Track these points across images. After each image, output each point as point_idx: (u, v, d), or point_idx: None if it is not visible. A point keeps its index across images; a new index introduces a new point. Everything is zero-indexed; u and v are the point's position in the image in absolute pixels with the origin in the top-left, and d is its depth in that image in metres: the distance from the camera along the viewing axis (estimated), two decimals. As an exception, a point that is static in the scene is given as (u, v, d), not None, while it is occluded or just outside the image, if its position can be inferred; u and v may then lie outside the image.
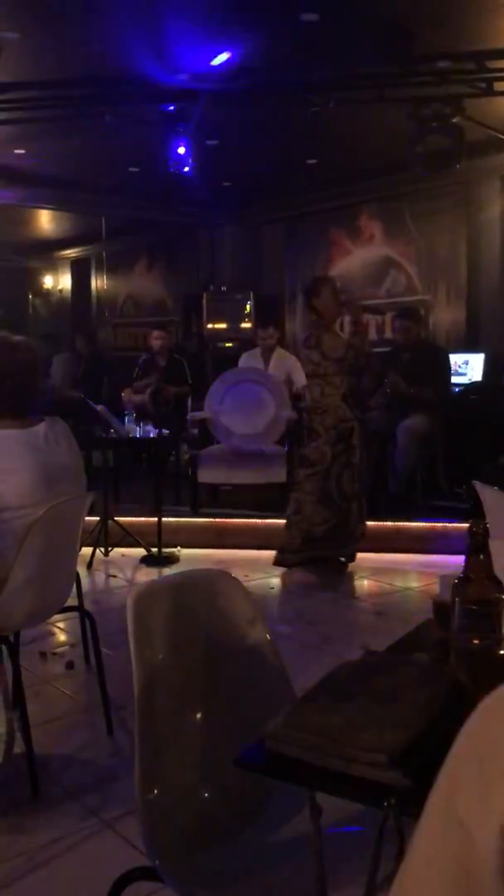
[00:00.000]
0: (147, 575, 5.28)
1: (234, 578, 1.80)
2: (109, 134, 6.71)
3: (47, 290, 14.22)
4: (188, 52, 5.68)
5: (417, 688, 1.30)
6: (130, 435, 5.84)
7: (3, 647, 2.74)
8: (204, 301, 9.62)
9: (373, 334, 8.57)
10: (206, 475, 6.26)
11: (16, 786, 2.68)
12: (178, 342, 9.79)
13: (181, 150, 6.49)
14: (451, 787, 0.62)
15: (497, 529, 1.60)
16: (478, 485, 3.00)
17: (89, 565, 5.38)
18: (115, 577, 5.33)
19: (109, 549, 5.66)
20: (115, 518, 5.67)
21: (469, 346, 7.90)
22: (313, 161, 8.21)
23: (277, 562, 5.12)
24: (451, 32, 5.34)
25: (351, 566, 5.19)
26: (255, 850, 1.57)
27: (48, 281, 14.18)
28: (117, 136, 6.84)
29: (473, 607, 1.33)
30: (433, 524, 5.70)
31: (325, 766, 1.18)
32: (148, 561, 5.48)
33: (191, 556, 5.57)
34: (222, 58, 5.49)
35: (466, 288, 8.38)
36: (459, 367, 7.20)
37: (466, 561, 1.37)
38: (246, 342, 8.42)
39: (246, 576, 4.91)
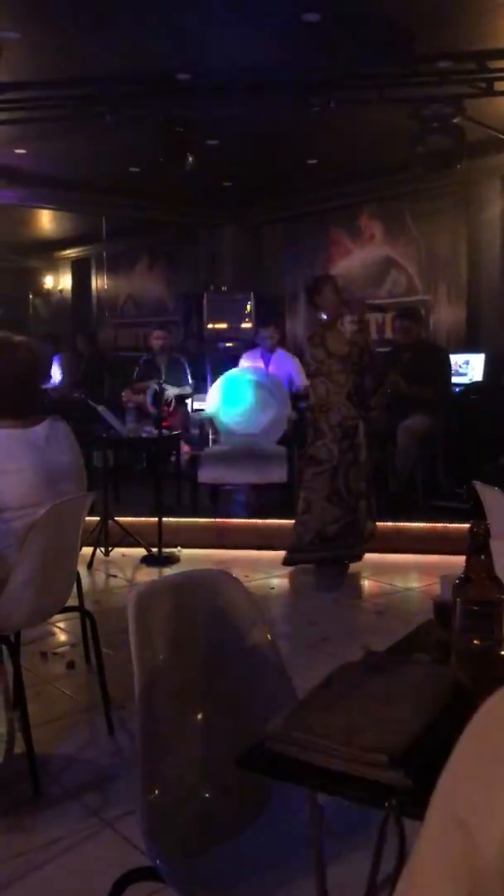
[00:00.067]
0: (147, 575, 5.28)
1: (235, 579, 1.80)
2: (110, 134, 6.71)
3: (48, 290, 14.21)
4: (189, 52, 5.68)
5: (418, 688, 1.30)
6: (132, 435, 5.85)
7: (4, 647, 2.74)
8: (204, 301, 9.61)
9: (373, 334, 8.57)
10: (207, 475, 6.26)
11: (16, 786, 2.69)
12: (178, 342, 9.79)
13: (182, 150, 6.49)
14: (453, 790, 0.62)
15: (498, 529, 1.61)
16: (478, 485, 3.00)
17: (90, 565, 5.38)
18: (115, 577, 5.33)
19: (110, 549, 5.66)
20: (116, 518, 5.67)
21: (469, 347, 7.90)
22: (314, 161, 8.21)
23: (287, 561, 5.09)
24: (451, 32, 5.34)
25: (352, 566, 5.19)
26: (256, 849, 1.57)
27: (49, 281, 14.17)
28: (118, 135, 6.84)
29: (474, 608, 1.33)
30: (433, 524, 5.69)
31: (325, 766, 1.18)
32: (148, 561, 5.49)
33: (191, 557, 5.57)
34: None
35: (467, 288, 8.38)
36: (460, 367, 7.20)
37: (467, 561, 1.37)
38: (246, 342, 8.42)
39: (246, 576, 4.91)
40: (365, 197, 9.10)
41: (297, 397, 6.57)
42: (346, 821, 1.50)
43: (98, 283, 12.76)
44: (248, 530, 5.89)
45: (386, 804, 1.10)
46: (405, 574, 5.20)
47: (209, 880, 1.51)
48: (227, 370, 7.00)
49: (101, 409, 5.73)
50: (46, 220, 11.23)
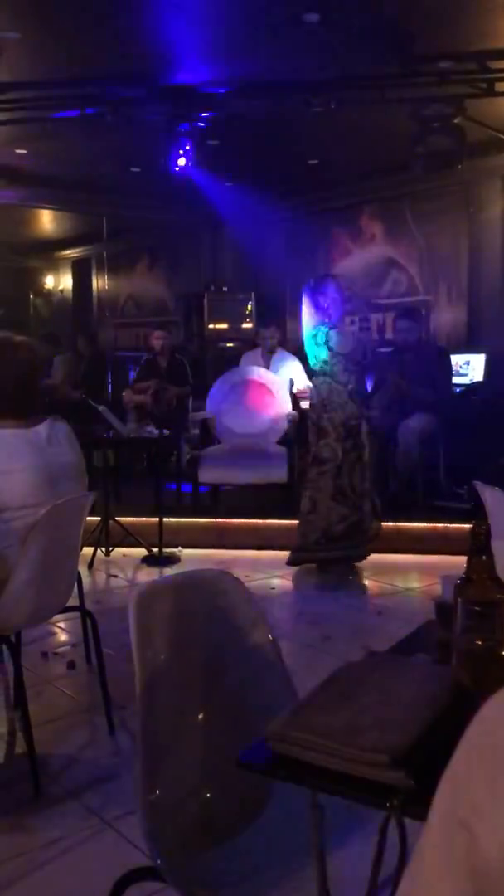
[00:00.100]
0: (148, 575, 5.28)
1: (236, 579, 1.80)
2: (110, 134, 6.72)
3: (48, 290, 14.21)
4: (189, 52, 5.68)
5: (419, 689, 1.30)
6: (133, 435, 5.84)
7: (5, 647, 2.74)
8: (205, 301, 9.61)
9: (374, 334, 8.57)
10: (208, 475, 6.26)
11: (17, 785, 2.69)
12: (179, 342, 9.79)
13: (182, 150, 6.49)
14: (455, 791, 0.62)
15: (499, 530, 1.60)
16: (479, 485, 3.00)
17: (90, 565, 5.38)
18: (116, 577, 5.34)
19: (110, 549, 5.66)
20: (116, 518, 5.67)
21: (470, 347, 7.89)
22: (314, 161, 8.21)
23: (292, 561, 5.08)
24: (452, 33, 5.34)
25: (353, 566, 5.18)
26: (257, 850, 1.57)
27: (49, 281, 14.18)
28: (118, 135, 6.84)
29: (476, 608, 1.33)
30: (434, 524, 5.69)
31: (326, 766, 1.18)
32: (149, 561, 5.49)
33: (192, 557, 5.57)
34: None
35: (467, 288, 8.38)
36: (460, 367, 7.19)
37: (469, 561, 1.37)
38: (247, 342, 8.42)
39: (247, 576, 4.91)
40: (365, 197, 9.11)
41: (297, 397, 6.57)
42: (347, 821, 1.50)
43: (99, 283, 12.76)
44: (249, 530, 5.89)
45: (387, 804, 1.10)
46: (405, 574, 5.20)
47: (210, 880, 1.51)
48: (227, 370, 6.99)
49: (101, 408, 5.73)
50: (47, 220, 11.24)
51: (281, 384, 6.60)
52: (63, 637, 4.18)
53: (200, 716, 1.64)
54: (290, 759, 1.21)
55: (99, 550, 5.55)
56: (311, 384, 6.35)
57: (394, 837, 1.12)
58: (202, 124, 6.51)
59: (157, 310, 11.63)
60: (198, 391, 7.28)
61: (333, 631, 4.19)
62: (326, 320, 5.02)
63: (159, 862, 1.43)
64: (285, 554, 5.53)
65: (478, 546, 1.36)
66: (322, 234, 9.77)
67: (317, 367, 4.97)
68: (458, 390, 6.77)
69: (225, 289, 9.97)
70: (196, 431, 6.86)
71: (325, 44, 5.46)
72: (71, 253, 13.36)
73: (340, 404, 4.92)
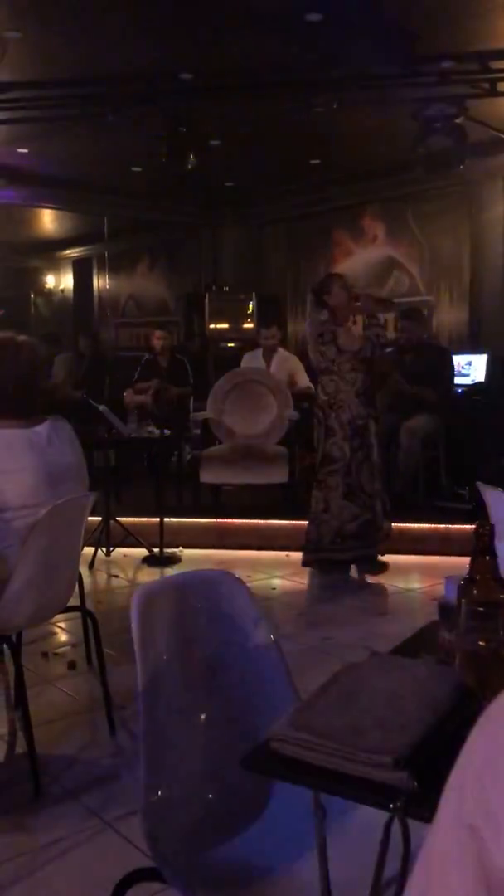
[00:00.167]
0: (149, 575, 5.28)
1: (238, 579, 1.79)
2: (112, 133, 6.71)
3: (49, 289, 14.22)
4: (191, 52, 5.68)
5: (423, 689, 1.30)
6: (133, 435, 5.84)
7: (6, 647, 2.74)
8: (206, 301, 9.61)
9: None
10: (208, 475, 6.25)
11: (18, 786, 2.68)
12: (180, 342, 9.79)
13: (183, 150, 6.49)
14: (461, 794, 0.61)
15: (501, 530, 1.60)
16: (481, 486, 2.99)
17: (91, 565, 5.38)
18: (116, 577, 5.33)
19: (111, 549, 5.66)
20: (117, 518, 5.67)
21: (472, 347, 7.89)
22: (316, 161, 8.21)
23: (307, 562, 5.06)
24: (453, 33, 5.34)
25: (354, 567, 5.17)
26: (260, 850, 1.56)
27: (50, 280, 14.18)
28: (119, 135, 6.84)
29: (479, 609, 1.32)
30: (435, 525, 5.68)
31: (329, 767, 1.17)
32: (150, 561, 5.48)
33: (192, 557, 5.56)
34: None
35: (469, 288, 8.38)
36: (462, 367, 7.19)
37: (472, 562, 1.37)
38: (248, 342, 8.42)
39: (248, 576, 4.91)
40: (367, 197, 9.11)
41: (298, 397, 6.56)
42: (349, 821, 1.49)
43: (99, 282, 12.76)
44: (250, 531, 5.89)
45: (391, 806, 1.09)
46: (407, 575, 5.20)
47: (211, 881, 1.50)
48: (228, 370, 6.99)
49: (102, 408, 5.72)
50: (48, 220, 11.24)
51: (281, 384, 6.60)
52: (64, 637, 4.17)
53: (202, 716, 1.63)
54: (293, 760, 1.21)
55: (100, 550, 5.55)
56: (310, 384, 6.37)
57: (395, 837, 1.12)
58: (203, 124, 6.51)
59: (158, 310, 11.63)
60: (199, 391, 7.27)
61: (335, 631, 4.19)
62: (332, 319, 5.00)
63: (160, 863, 1.43)
64: (285, 554, 5.54)
65: (482, 547, 1.36)
66: (324, 235, 9.77)
67: (323, 366, 4.96)
68: (459, 391, 6.77)
69: (226, 289, 9.97)
70: (197, 431, 6.85)
71: (328, 44, 5.46)
72: (72, 253, 13.36)
73: (347, 403, 4.91)
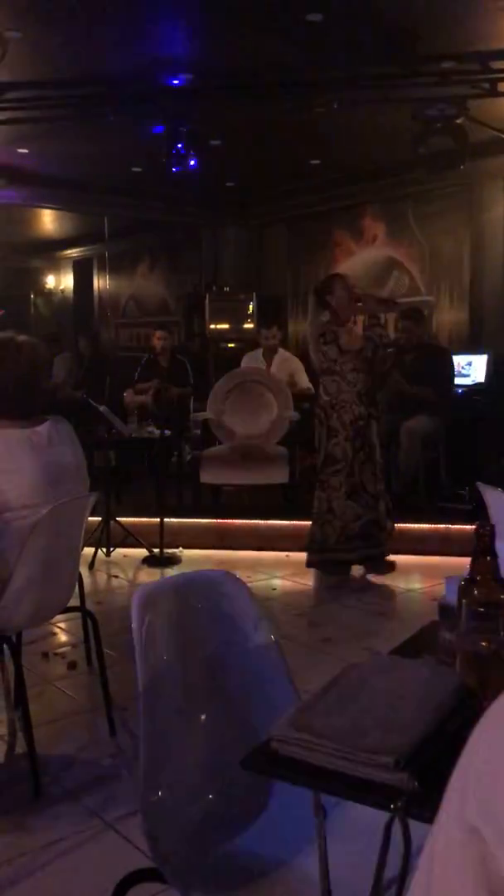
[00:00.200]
0: (149, 575, 5.28)
1: (238, 579, 1.79)
2: (112, 134, 6.71)
3: (49, 289, 14.22)
4: (191, 52, 5.68)
5: (423, 690, 1.30)
6: (134, 435, 5.84)
7: (6, 648, 2.73)
8: (206, 301, 9.61)
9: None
10: (209, 476, 6.25)
11: (18, 786, 2.68)
12: (180, 343, 9.78)
13: (184, 150, 6.49)
14: (463, 795, 0.61)
15: (502, 530, 1.60)
16: (481, 486, 2.99)
17: (91, 566, 5.38)
18: (117, 577, 5.33)
19: (111, 549, 5.66)
20: (117, 518, 5.67)
21: (472, 347, 7.89)
22: (316, 161, 8.21)
23: (312, 563, 5.05)
24: (454, 33, 5.34)
25: (354, 568, 5.17)
26: (259, 851, 1.56)
27: (50, 281, 14.18)
28: (120, 135, 6.84)
29: (480, 609, 1.32)
30: (435, 525, 5.68)
31: (329, 767, 1.17)
32: (150, 561, 5.48)
33: (193, 557, 5.56)
34: None
35: (470, 289, 8.38)
36: (462, 368, 7.19)
37: (473, 562, 1.37)
38: (248, 343, 8.41)
39: (248, 577, 4.90)
40: (367, 198, 9.11)
41: (299, 398, 6.56)
42: (349, 822, 1.49)
43: (100, 283, 12.76)
44: (250, 531, 5.89)
45: (391, 806, 1.09)
46: (407, 575, 5.19)
47: (211, 881, 1.50)
48: (228, 371, 6.99)
49: (102, 409, 5.72)
50: (48, 220, 11.24)
51: (282, 385, 6.60)
52: (64, 637, 4.17)
53: (202, 716, 1.63)
54: (293, 761, 1.21)
55: (100, 551, 5.55)
56: (310, 385, 6.37)
57: (396, 838, 1.11)
58: (204, 124, 6.51)
59: (159, 310, 11.63)
60: (199, 391, 7.27)
61: (335, 632, 4.19)
62: (333, 319, 5.00)
63: (160, 863, 1.43)
64: (286, 554, 5.54)
65: (482, 547, 1.36)
66: (324, 235, 9.77)
67: (325, 366, 4.95)
68: (460, 391, 6.76)
69: (226, 289, 9.96)
70: (197, 432, 6.85)
71: (328, 44, 5.45)
72: (72, 253, 13.36)
73: (349, 403, 4.91)
